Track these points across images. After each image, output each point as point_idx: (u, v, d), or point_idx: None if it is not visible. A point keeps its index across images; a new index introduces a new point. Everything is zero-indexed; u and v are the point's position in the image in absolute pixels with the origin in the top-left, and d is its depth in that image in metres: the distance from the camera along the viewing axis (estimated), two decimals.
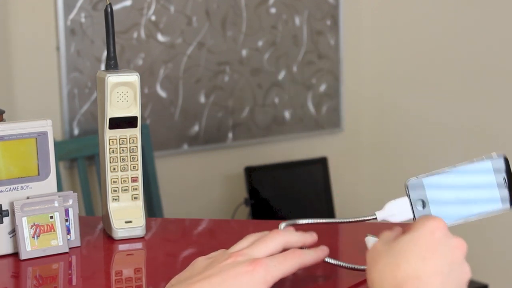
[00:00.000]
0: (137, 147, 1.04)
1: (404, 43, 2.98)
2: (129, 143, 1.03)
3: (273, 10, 2.78)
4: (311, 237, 0.80)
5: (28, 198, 0.97)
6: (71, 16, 2.35)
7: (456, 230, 0.76)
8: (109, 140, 1.02)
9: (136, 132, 1.03)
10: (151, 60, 2.52)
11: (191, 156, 2.66)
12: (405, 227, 0.74)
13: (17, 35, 2.29)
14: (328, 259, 0.81)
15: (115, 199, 1.04)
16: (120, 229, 1.02)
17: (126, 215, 1.03)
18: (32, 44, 2.33)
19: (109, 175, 1.03)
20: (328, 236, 0.82)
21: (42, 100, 2.36)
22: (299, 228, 0.81)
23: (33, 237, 0.95)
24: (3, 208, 0.96)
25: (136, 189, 1.04)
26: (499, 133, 2.75)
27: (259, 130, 2.80)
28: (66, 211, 0.99)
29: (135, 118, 1.02)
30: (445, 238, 0.69)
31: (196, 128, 2.64)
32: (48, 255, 0.96)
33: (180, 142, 2.62)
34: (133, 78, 1.01)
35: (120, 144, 1.03)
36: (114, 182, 1.03)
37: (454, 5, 2.82)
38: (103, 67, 2.38)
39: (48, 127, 0.98)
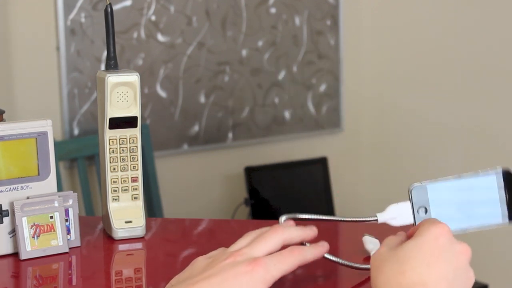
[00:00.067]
0: (137, 147, 1.04)
1: (404, 43, 2.98)
2: (129, 143, 1.03)
3: (273, 10, 2.78)
4: (311, 231, 0.79)
5: (28, 198, 0.96)
6: (71, 16, 2.35)
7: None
8: (109, 140, 1.02)
9: (136, 132, 1.03)
10: (151, 60, 2.52)
11: (191, 156, 2.66)
12: (407, 230, 0.74)
13: (17, 35, 2.29)
14: (327, 255, 0.81)
15: (115, 199, 1.04)
16: (120, 229, 1.02)
17: (126, 215, 1.03)
18: (32, 44, 2.33)
19: (109, 175, 1.03)
20: (327, 236, 0.82)
21: (42, 100, 2.36)
22: (299, 223, 0.80)
23: (33, 237, 0.95)
24: (3, 208, 0.96)
25: (136, 189, 1.04)
26: (499, 133, 2.74)
27: (259, 130, 2.79)
28: (66, 211, 0.99)
29: (135, 118, 1.02)
30: (450, 244, 0.69)
31: (196, 128, 2.64)
32: (48, 255, 0.96)
33: (180, 142, 2.62)
34: (133, 78, 1.01)
35: (120, 144, 1.03)
36: (114, 182, 1.03)
37: (454, 5, 2.82)
38: (103, 67, 2.38)
39: (48, 127, 0.98)
